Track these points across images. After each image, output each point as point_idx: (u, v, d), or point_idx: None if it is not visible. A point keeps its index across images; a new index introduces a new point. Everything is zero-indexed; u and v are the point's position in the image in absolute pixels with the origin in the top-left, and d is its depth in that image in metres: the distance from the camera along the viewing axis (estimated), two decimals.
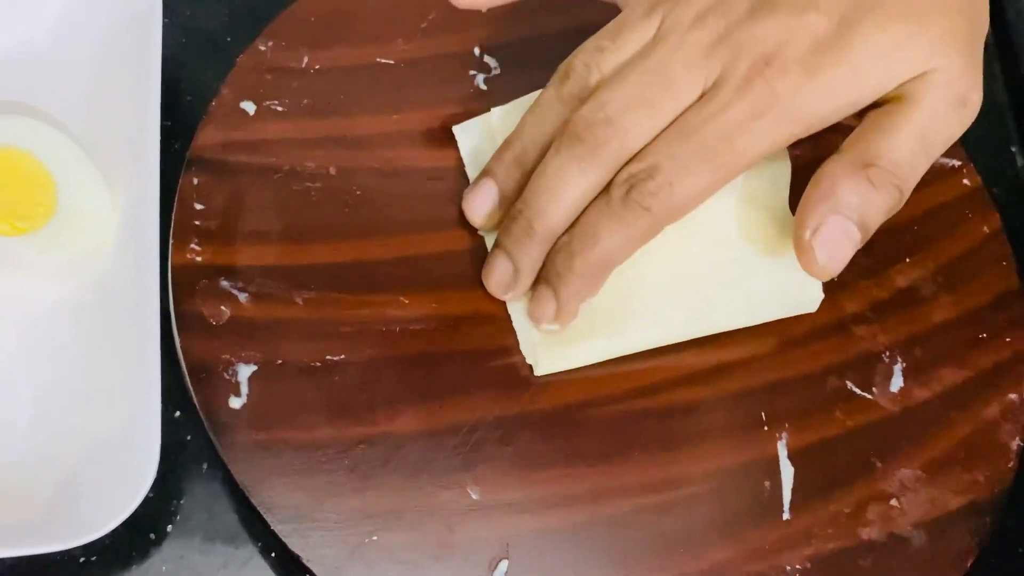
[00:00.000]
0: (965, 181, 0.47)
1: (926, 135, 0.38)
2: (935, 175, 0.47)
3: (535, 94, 0.44)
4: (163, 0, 0.45)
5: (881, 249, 0.45)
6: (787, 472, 0.41)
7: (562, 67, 0.40)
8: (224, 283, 0.41)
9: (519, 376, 0.41)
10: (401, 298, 0.42)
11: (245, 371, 0.40)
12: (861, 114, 0.39)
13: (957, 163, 0.47)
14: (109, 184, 0.43)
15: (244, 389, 0.40)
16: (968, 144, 0.48)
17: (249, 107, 0.44)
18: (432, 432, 0.40)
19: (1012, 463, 0.42)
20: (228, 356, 0.40)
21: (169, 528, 0.41)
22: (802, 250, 0.38)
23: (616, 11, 0.41)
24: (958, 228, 0.46)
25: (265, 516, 0.38)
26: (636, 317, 0.41)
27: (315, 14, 0.46)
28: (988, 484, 0.42)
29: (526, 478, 0.40)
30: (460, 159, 0.44)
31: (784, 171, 0.43)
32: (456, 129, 0.45)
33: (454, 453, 0.40)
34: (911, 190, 0.38)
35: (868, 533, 0.41)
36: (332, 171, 0.44)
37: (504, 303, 0.42)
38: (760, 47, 0.37)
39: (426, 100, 0.45)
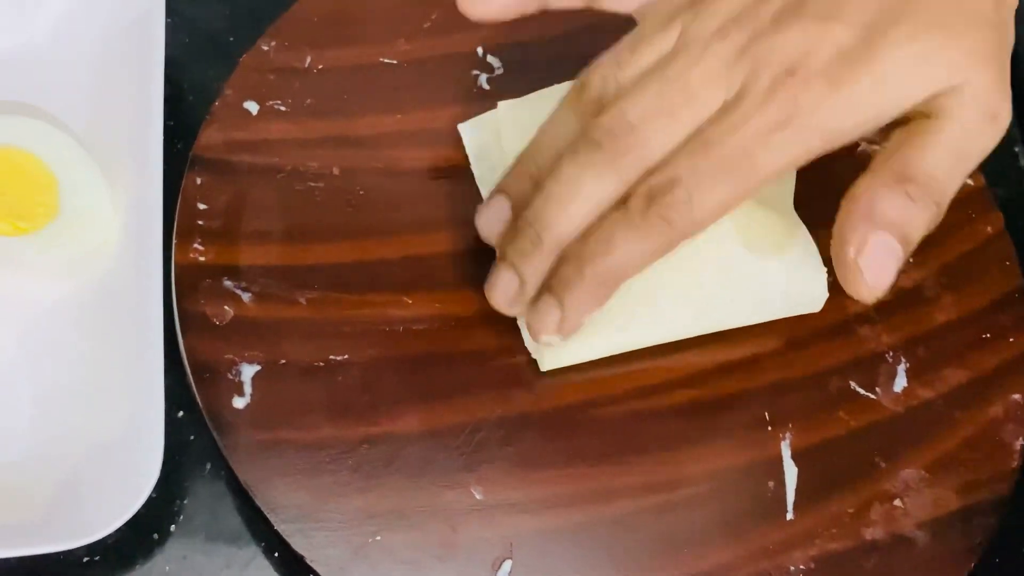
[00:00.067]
0: (968, 181, 0.47)
1: (961, 150, 0.37)
2: None
3: (543, 91, 0.44)
4: (166, 0, 0.45)
5: None
6: (790, 472, 0.41)
7: (578, 81, 0.39)
8: (227, 283, 0.41)
9: (522, 376, 0.41)
10: (404, 298, 0.42)
11: (248, 371, 0.40)
12: (884, 131, 0.38)
13: None
14: (111, 184, 0.43)
15: (247, 389, 0.40)
16: None
17: (252, 107, 0.44)
18: (435, 432, 0.40)
19: (1016, 463, 0.42)
20: (231, 356, 0.40)
21: (172, 528, 0.41)
22: (847, 270, 0.36)
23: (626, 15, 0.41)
24: (961, 228, 0.46)
25: (268, 516, 0.38)
26: (641, 313, 0.41)
27: (318, 14, 0.46)
28: (992, 484, 0.42)
29: (529, 478, 0.40)
30: (464, 159, 0.44)
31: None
32: (462, 127, 0.45)
33: (457, 453, 0.40)
34: (948, 205, 0.37)
35: (872, 533, 0.41)
36: (335, 171, 0.44)
37: None
38: (782, 58, 0.36)
39: (429, 100, 0.45)
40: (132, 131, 0.43)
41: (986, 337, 0.45)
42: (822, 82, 0.35)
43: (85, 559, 0.40)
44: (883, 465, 0.42)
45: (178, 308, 0.40)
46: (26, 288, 0.43)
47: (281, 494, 0.38)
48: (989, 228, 0.47)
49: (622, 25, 0.41)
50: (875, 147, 0.39)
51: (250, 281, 0.41)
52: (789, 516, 0.40)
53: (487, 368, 0.41)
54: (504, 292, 0.39)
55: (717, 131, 0.36)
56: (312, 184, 0.43)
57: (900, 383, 0.43)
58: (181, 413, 0.42)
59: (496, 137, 0.44)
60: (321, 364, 0.40)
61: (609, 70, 0.38)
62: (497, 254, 0.41)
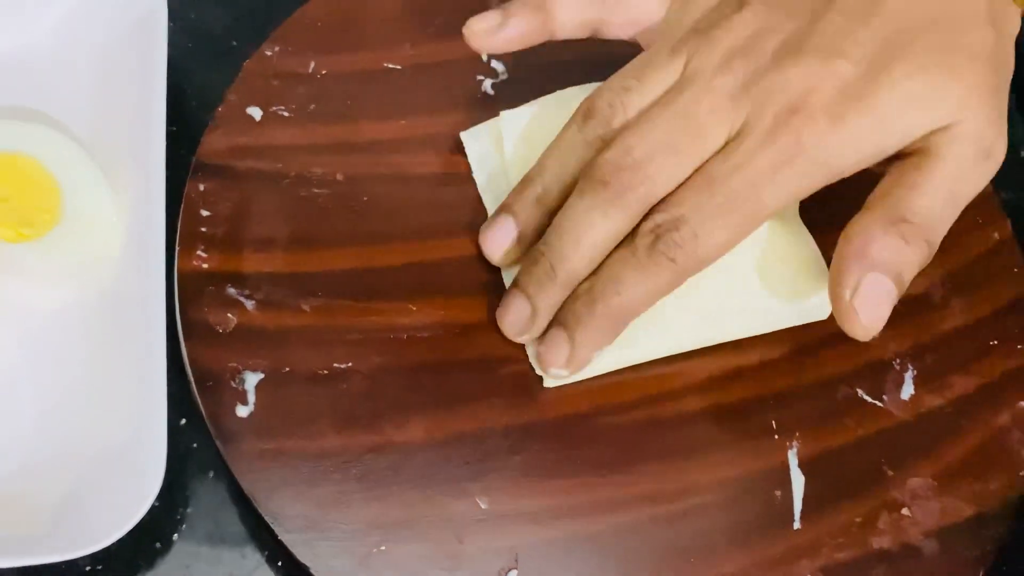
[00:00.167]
0: None
1: (954, 188, 0.37)
2: None
3: (545, 99, 0.44)
4: (168, 4, 0.45)
5: None
6: (798, 481, 0.41)
7: (584, 105, 0.39)
8: (231, 290, 0.41)
9: (528, 384, 0.41)
10: (409, 305, 0.42)
11: (252, 379, 0.40)
12: (884, 162, 0.38)
13: None
14: (114, 190, 0.43)
15: (251, 397, 0.39)
16: None
17: (256, 112, 0.44)
18: (441, 441, 0.40)
19: None
20: (235, 364, 0.40)
21: (175, 537, 0.41)
22: (843, 312, 0.37)
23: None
24: (968, 235, 0.46)
25: (272, 526, 0.38)
26: (646, 326, 0.41)
27: (322, 19, 0.46)
28: (1000, 492, 0.42)
29: (535, 488, 0.39)
30: (468, 165, 0.44)
31: None
32: (464, 135, 0.44)
33: (463, 463, 0.39)
34: (939, 242, 0.38)
35: (879, 542, 0.40)
36: (339, 177, 0.43)
37: None
38: (786, 95, 0.36)
39: (433, 105, 0.45)
40: (135, 136, 0.43)
41: (994, 344, 0.44)
42: (825, 119, 0.36)
43: (88, 568, 0.40)
44: (891, 473, 0.41)
45: (181, 315, 0.40)
46: (28, 295, 0.42)
47: (285, 504, 0.38)
48: (996, 234, 0.46)
49: None
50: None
51: (254, 288, 0.41)
52: (796, 525, 0.40)
53: (493, 376, 0.41)
54: (516, 320, 0.40)
55: (722, 169, 0.37)
56: (316, 190, 0.43)
57: (907, 391, 0.43)
58: (184, 421, 0.42)
59: (498, 145, 0.44)
60: (325, 372, 0.40)
61: (616, 96, 0.39)
62: (504, 279, 0.42)
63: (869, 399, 0.43)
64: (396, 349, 0.41)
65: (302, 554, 0.37)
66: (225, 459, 0.38)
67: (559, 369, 0.40)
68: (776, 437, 0.41)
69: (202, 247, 0.41)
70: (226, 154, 0.43)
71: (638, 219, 0.38)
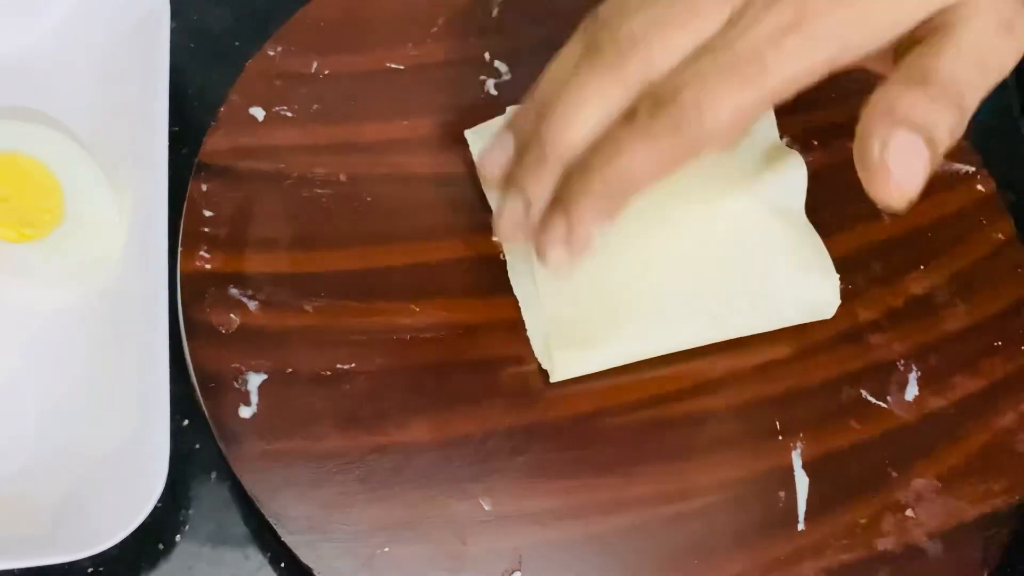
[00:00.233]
0: (979, 187, 0.47)
1: (979, 57, 0.35)
2: (949, 181, 0.47)
3: None
4: (170, 5, 0.45)
5: (895, 257, 0.45)
6: (802, 482, 0.41)
7: (587, 17, 0.37)
8: (233, 291, 0.41)
9: (531, 385, 0.41)
10: (412, 306, 0.41)
11: (255, 380, 0.40)
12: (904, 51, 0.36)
13: (971, 169, 0.47)
14: (116, 190, 0.43)
15: (254, 398, 0.39)
16: (982, 150, 0.47)
17: (258, 113, 0.44)
18: (444, 442, 0.39)
19: None
20: (238, 365, 0.40)
21: (178, 538, 0.40)
22: (873, 170, 0.34)
23: None
24: (972, 235, 0.46)
25: (275, 527, 0.38)
26: (652, 322, 0.41)
27: (324, 19, 0.46)
28: (1005, 494, 0.42)
29: (539, 489, 0.39)
30: (471, 165, 0.44)
31: (800, 176, 0.43)
32: (468, 133, 0.44)
33: (466, 463, 0.39)
34: (971, 112, 0.35)
35: (884, 544, 0.40)
36: (342, 177, 0.43)
37: (519, 311, 0.42)
38: None
39: (436, 106, 0.45)
40: (137, 136, 0.43)
41: (998, 345, 0.44)
42: None
43: (90, 570, 0.39)
44: (895, 475, 0.41)
45: (184, 316, 0.40)
46: (30, 295, 0.42)
47: (288, 505, 0.38)
48: (1000, 235, 0.46)
49: None
50: None
51: (256, 289, 0.41)
52: (800, 527, 0.40)
53: (496, 377, 0.41)
54: (510, 216, 0.38)
55: (724, 38, 0.35)
56: (319, 191, 0.43)
57: (911, 392, 0.43)
58: (187, 422, 0.42)
59: None
60: (328, 373, 0.40)
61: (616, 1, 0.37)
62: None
63: (873, 400, 0.43)
64: (399, 350, 0.41)
65: (305, 555, 0.37)
66: (228, 460, 0.38)
67: (558, 252, 0.37)
68: (780, 438, 0.41)
69: (205, 248, 0.41)
70: (228, 154, 0.43)
71: (634, 94, 0.35)
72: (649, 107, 0.35)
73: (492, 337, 0.41)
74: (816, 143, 0.43)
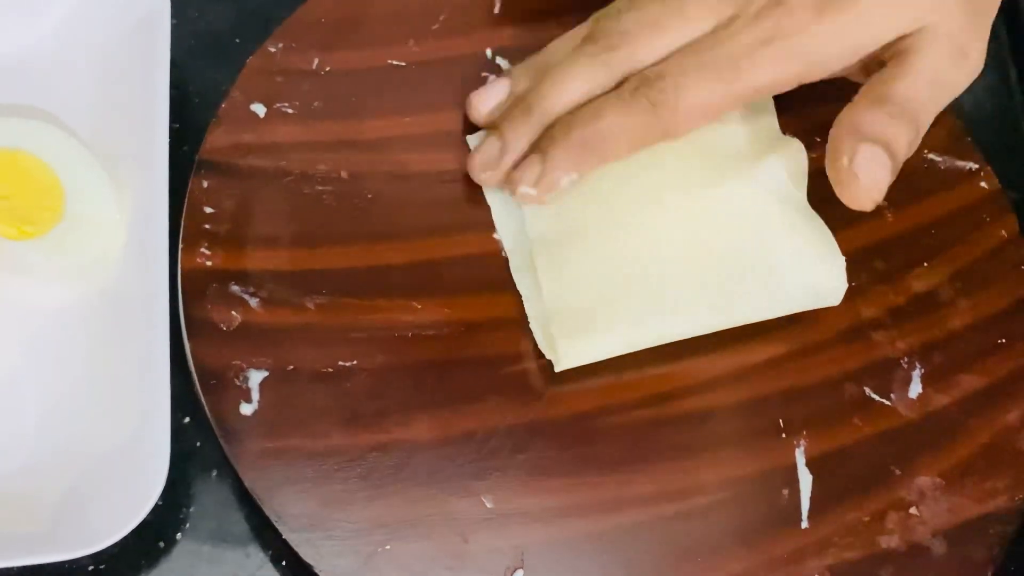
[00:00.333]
0: (982, 184, 0.47)
1: (934, 79, 0.40)
2: (952, 178, 0.46)
3: None
4: (171, 2, 0.44)
5: (898, 254, 0.45)
6: (805, 480, 0.41)
7: (599, 11, 0.43)
8: (235, 288, 0.41)
9: (533, 383, 0.41)
10: (413, 303, 0.41)
11: (256, 377, 0.39)
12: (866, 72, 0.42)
13: (974, 166, 0.47)
14: (117, 188, 0.43)
15: (255, 395, 0.39)
16: (985, 147, 0.47)
17: (259, 109, 0.44)
18: (445, 440, 0.39)
19: None
20: (239, 362, 0.40)
21: (178, 536, 0.40)
22: (842, 179, 0.40)
23: None
24: (976, 232, 0.46)
25: (276, 525, 0.37)
26: (657, 309, 0.40)
27: (326, 16, 0.46)
28: (1009, 491, 0.41)
29: (541, 487, 0.39)
30: None
31: (801, 162, 0.43)
32: (470, 139, 0.44)
33: (468, 461, 0.39)
34: (926, 127, 0.41)
35: (887, 542, 0.40)
36: (343, 174, 0.43)
37: (521, 308, 0.42)
38: None
39: (438, 102, 0.45)
40: (137, 134, 0.43)
41: (1001, 342, 0.44)
42: (807, 11, 0.40)
43: (91, 567, 0.39)
44: (898, 472, 0.41)
45: (184, 313, 0.40)
46: (31, 293, 0.42)
47: (289, 503, 0.38)
48: (1004, 232, 0.46)
49: None
50: None
51: (257, 286, 0.41)
52: (804, 524, 0.40)
53: (498, 375, 0.41)
54: (484, 156, 0.43)
55: (706, 43, 0.41)
56: (320, 188, 0.43)
57: (915, 389, 0.43)
58: (187, 419, 0.42)
59: None
60: (330, 370, 0.40)
61: None
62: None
63: (877, 398, 0.42)
64: (400, 347, 0.41)
65: (306, 553, 0.37)
66: (229, 458, 0.38)
67: (528, 187, 0.41)
68: (783, 436, 0.41)
69: (206, 245, 0.41)
70: (229, 151, 0.43)
71: (618, 78, 0.41)
72: (634, 85, 0.41)
73: (494, 335, 0.41)
74: (819, 140, 0.43)
